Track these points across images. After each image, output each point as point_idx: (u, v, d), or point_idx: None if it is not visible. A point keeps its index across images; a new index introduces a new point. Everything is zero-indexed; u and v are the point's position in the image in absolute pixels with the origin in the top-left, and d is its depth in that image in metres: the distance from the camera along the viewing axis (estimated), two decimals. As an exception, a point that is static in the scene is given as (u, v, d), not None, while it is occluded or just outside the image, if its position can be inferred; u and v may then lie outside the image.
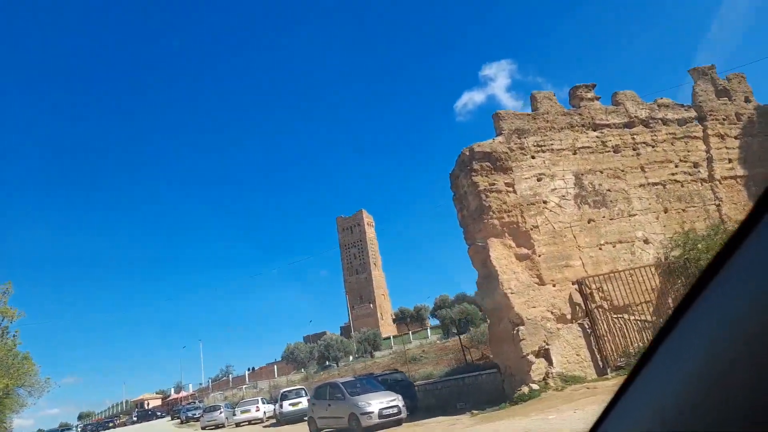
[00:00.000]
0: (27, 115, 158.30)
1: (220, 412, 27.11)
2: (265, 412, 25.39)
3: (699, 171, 16.84)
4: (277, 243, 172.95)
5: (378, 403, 13.44)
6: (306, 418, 20.36)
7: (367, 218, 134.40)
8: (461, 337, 26.93)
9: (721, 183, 16.76)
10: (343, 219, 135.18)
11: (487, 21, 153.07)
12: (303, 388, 22.22)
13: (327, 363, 70.62)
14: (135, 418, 65.80)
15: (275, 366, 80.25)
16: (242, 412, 24.52)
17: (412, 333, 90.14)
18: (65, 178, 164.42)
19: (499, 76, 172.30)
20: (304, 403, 20.79)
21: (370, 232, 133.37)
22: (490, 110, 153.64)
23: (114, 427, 60.65)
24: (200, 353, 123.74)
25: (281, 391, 22.05)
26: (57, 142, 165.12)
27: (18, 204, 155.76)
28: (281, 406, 21.14)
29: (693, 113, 17.64)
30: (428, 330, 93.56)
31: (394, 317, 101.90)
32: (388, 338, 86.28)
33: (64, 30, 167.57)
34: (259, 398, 26.26)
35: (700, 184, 16.67)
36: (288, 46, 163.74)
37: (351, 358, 69.67)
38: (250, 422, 24.70)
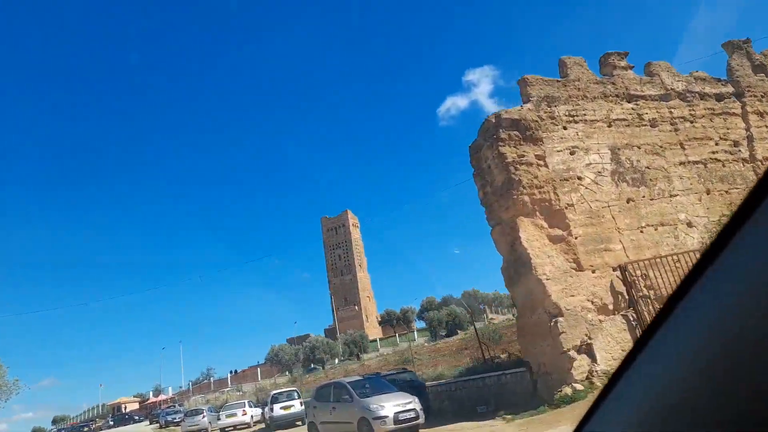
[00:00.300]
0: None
1: (203, 416, 24.95)
2: (252, 416, 23.35)
3: (740, 150, 15.30)
4: (258, 244, 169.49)
5: (392, 406, 11.51)
6: (300, 423, 18.43)
7: (353, 219, 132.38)
8: (477, 332, 25.10)
9: (762, 163, 15.21)
10: (327, 219, 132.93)
11: (470, 27, 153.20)
12: (295, 390, 20.21)
13: (312, 366, 68.53)
14: (111, 423, 62.86)
15: (258, 369, 77.79)
16: (228, 416, 22.42)
17: (399, 335, 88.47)
18: (38, 175, 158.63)
19: (482, 81, 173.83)
20: (296, 406, 18.86)
21: (355, 233, 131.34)
22: (472, 116, 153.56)
23: (89, 432, 57.59)
24: (180, 355, 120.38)
25: (271, 393, 19.98)
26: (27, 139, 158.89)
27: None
28: (272, 410, 19.09)
29: (730, 89, 16.11)
30: (415, 332, 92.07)
31: (380, 319, 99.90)
32: (375, 341, 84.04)
33: (62, 29, 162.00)
34: (246, 401, 24.18)
35: (741, 164, 15.12)
36: (273, 46, 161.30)
37: (336, 360, 67.62)
38: (236, 427, 22.64)
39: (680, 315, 0.73)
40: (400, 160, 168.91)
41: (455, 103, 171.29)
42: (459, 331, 73.41)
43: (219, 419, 22.66)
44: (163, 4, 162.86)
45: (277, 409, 19.03)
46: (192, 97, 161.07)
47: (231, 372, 73.85)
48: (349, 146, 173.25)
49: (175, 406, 47.51)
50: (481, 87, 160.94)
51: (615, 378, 0.97)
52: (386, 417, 11.18)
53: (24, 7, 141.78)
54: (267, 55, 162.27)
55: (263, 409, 21.71)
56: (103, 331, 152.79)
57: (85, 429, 59.11)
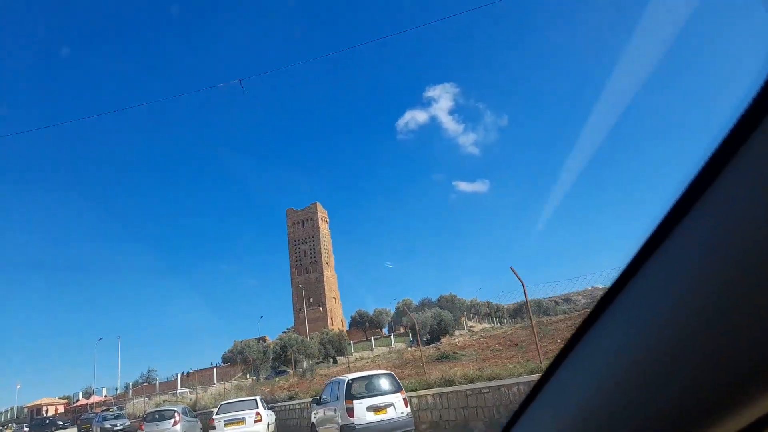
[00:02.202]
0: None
1: (175, 422, 15.07)
2: (269, 425, 13.71)
3: None
4: (200, 246, 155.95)
5: None
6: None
7: (322, 213, 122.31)
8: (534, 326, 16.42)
9: None
10: (293, 211, 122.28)
11: (432, 42, 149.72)
12: (391, 374, 10.38)
13: (280, 368, 58.23)
14: (26, 429, 50.17)
15: (215, 370, 66.51)
16: (229, 423, 12.74)
17: (375, 339, 79.30)
18: None
19: (441, 98, 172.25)
20: (398, 405, 9.34)
21: (324, 228, 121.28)
22: (431, 131, 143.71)
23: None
24: (117, 352, 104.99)
25: (345, 379, 10.02)
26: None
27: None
28: (349, 411, 9.29)
29: None
30: (392, 337, 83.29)
31: (351, 321, 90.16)
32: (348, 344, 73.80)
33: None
34: (257, 399, 14.30)
35: None
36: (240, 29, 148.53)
37: (306, 363, 57.70)
38: None
39: (606, 321, 0.74)
40: (361, 166, 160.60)
41: (414, 117, 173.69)
42: (444, 336, 65.07)
43: (214, 429, 12.81)
44: None
45: (362, 410, 9.42)
46: (145, 82, 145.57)
47: (181, 373, 62.16)
48: (310, 144, 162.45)
49: (114, 410, 36.10)
50: (441, 103, 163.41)
51: (539, 385, 0.98)
52: None
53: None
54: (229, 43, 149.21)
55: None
56: (29, 331, 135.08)
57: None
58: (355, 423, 9.50)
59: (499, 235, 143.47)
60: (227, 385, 34.18)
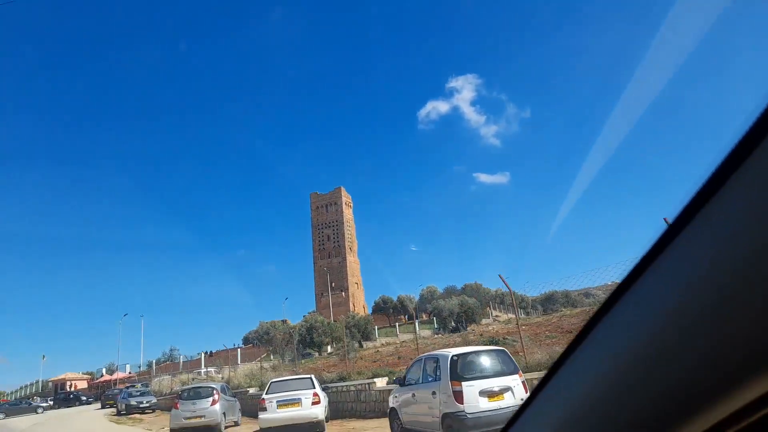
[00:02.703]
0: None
1: (213, 401, 13.19)
2: (326, 408, 11.63)
3: None
4: (225, 232, 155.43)
5: None
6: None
7: (346, 197, 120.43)
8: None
9: None
10: (317, 196, 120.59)
11: (455, 34, 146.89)
12: (504, 351, 8.11)
13: (306, 350, 56.64)
14: (51, 402, 49.44)
15: (239, 350, 65.34)
16: (284, 404, 10.68)
17: (399, 325, 77.47)
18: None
19: (464, 88, 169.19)
20: (518, 390, 7.14)
21: (348, 213, 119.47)
22: (452, 122, 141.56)
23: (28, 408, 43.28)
24: (141, 330, 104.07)
25: (449, 354, 7.66)
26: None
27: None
28: (456, 396, 7.03)
29: None
30: (416, 323, 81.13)
31: (375, 306, 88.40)
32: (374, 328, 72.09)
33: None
34: (311, 378, 12.17)
35: None
36: (257, 27, 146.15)
37: (330, 348, 56.02)
38: (294, 424, 10.79)
39: (609, 321, 0.75)
40: (383, 155, 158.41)
41: (436, 107, 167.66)
42: (471, 324, 62.92)
43: (265, 410, 10.77)
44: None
45: (474, 396, 7.01)
46: (170, 75, 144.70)
47: (205, 352, 61.04)
48: (326, 138, 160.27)
49: (137, 386, 34.73)
50: (463, 93, 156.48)
51: (538, 388, 1.00)
52: None
53: None
54: (247, 43, 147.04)
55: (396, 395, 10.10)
56: (56, 310, 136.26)
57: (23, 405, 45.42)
58: (466, 411, 7.34)
59: (519, 227, 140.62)
60: (263, 363, 32.47)
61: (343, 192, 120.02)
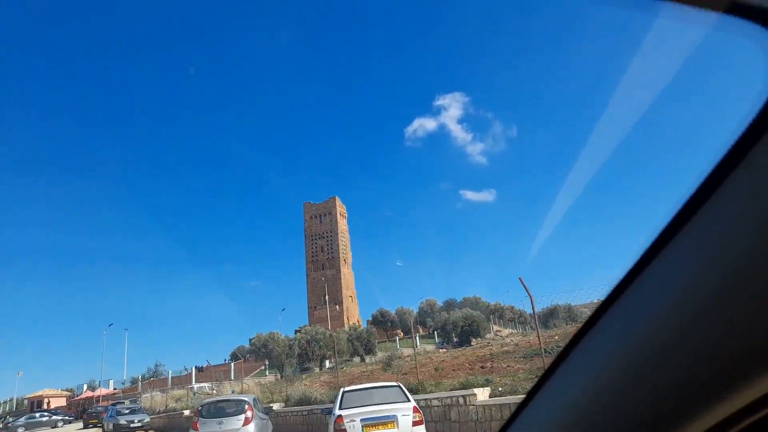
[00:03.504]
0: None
1: (247, 420, 9.49)
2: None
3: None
4: (210, 245, 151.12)
5: None
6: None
7: (340, 207, 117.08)
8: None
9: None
10: (311, 205, 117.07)
11: (444, 51, 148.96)
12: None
13: (305, 365, 52.76)
14: (15, 422, 44.67)
15: (232, 364, 61.12)
16: (371, 424, 7.16)
17: (400, 340, 73.86)
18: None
19: (451, 106, 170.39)
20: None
21: (342, 224, 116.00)
22: (439, 140, 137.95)
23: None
24: (124, 344, 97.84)
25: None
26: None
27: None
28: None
29: None
30: (416, 337, 77.71)
31: (373, 320, 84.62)
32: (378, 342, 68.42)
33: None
34: (401, 386, 8.44)
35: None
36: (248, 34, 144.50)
37: (327, 363, 52.33)
38: None
39: (603, 325, 0.76)
40: (368, 172, 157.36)
41: (423, 125, 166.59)
42: (474, 339, 59.54)
43: (343, 431, 7.19)
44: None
45: None
46: (162, 84, 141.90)
47: (195, 367, 56.77)
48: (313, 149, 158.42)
49: (126, 403, 30.62)
50: (450, 111, 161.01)
51: (534, 390, 1.01)
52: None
53: None
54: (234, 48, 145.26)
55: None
56: (32, 317, 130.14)
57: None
58: None
59: (505, 244, 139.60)
60: (262, 379, 28.78)
61: (338, 202, 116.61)
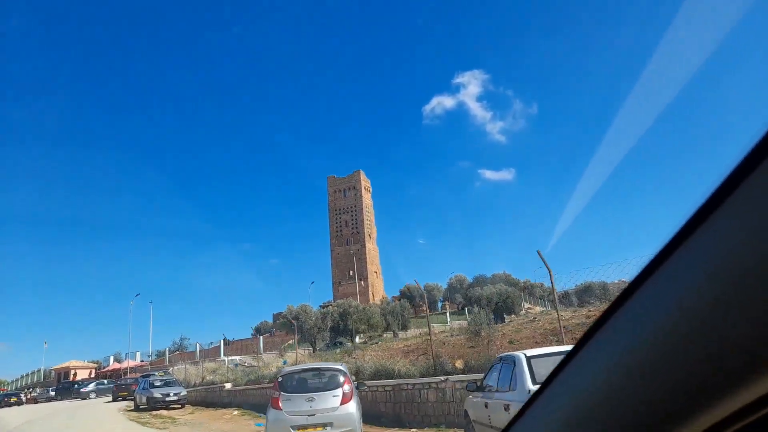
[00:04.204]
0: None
1: (345, 398, 6.87)
2: None
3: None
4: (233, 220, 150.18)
5: None
6: None
7: (365, 181, 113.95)
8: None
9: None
10: (335, 179, 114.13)
11: (463, 28, 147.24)
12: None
13: (338, 338, 50.54)
14: (52, 393, 43.45)
15: (261, 338, 59.35)
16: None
17: (431, 315, 70.93)
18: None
19: (470, 84, 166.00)
20: None
21: (367, 198, 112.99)
22: (458, 118, 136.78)
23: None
24: (150, 318, 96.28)
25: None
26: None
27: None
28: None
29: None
30: (447, 314, 75.32)
31: (401, 295, 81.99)
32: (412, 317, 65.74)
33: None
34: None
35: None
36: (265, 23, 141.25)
37: (358, 338, 49.91)
38: None
39: (617, 320, 0.76)
40: (384, 153, 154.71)
41: (441, 102, 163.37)
42: (510, 315, 56.74)
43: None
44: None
45: None
46: (182, 68, 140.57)
47: (224, 339, 54.93)
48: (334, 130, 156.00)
49: (158, 374, 28.44)
50: (469, 89, 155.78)
51: (544, 386, 1.01)
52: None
53: None
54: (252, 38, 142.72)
55: None
56: (59, 290, 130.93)
57: (13, 399, 39.71)
58: None
59: (526, 223, 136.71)
60: (300, 352, 26.47)
61: (362, 176, 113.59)
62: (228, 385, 21.01)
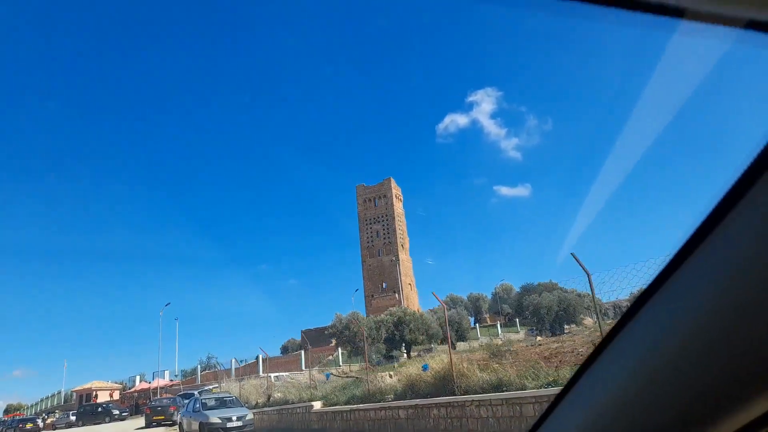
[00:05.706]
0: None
1: None
2: None
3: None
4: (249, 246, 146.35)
5: None
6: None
7: (396, 189, 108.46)
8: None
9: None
10: (364, 188, 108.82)
11: (474, 47, 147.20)
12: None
13: (391, 352, 44.50)
14: (72, 417, 37.83)
15: (302, 353, 53.46)
16: None
17: (480, 327, 65.63)
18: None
19: (483, 101, 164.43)
20: None
21: (398, 207, 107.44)
22: (472, 135, 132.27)
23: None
24: (175, 335, 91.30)
25: None
26: None
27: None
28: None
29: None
30: (498, 325, 69.43)
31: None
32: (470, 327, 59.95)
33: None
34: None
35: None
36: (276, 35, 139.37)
37: (407, 351, 43.99)
38: None
39: (637, 323, 0.75)
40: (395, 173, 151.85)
41: (454, 120, 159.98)
42: (569, 326, 50.36)
43: None
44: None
45: None
46: (192, 87, 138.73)
47: (263, 355, 49.01)
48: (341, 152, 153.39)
49: (212, 390, 22.53)
50: (482, 106, 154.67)
51: (569, 385, 1.01)
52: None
53: None
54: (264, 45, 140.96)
55: None
56: (77, 313, 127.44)
57: (29, 425, 34.22)
58: None
59: (542, 239, 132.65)
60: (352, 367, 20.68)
61: (393, 183, 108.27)
62: (317, 405, 15.13)
